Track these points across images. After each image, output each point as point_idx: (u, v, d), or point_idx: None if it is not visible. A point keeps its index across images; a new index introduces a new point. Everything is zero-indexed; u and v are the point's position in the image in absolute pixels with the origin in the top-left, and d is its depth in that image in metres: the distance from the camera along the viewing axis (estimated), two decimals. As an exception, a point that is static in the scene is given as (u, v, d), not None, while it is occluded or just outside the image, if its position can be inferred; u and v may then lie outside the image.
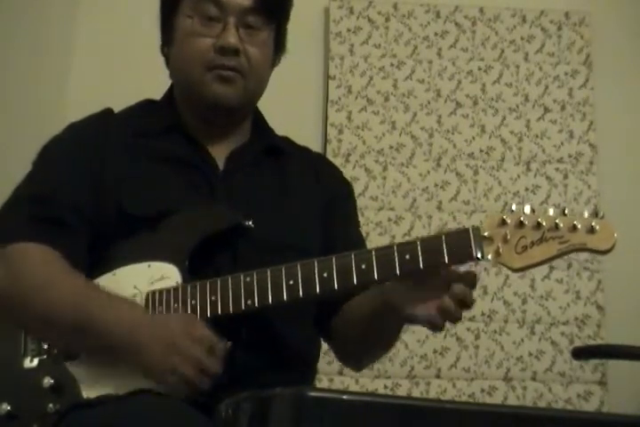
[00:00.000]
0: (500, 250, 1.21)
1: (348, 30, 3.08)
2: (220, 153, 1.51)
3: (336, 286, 1.26)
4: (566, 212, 1.22)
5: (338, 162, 2.68)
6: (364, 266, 1.25)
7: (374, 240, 2.68)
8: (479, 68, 3.09)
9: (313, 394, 0.94)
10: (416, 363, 2.78)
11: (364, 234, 1.67)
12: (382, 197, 2.91)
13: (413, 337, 2.79)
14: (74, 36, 3.01)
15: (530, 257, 1.21)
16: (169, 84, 1.59)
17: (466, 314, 3.18)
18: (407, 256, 1.24)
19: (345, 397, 0.95)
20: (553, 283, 2.88)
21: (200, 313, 1.30)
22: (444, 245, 1.22)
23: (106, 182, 1.43)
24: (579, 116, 3.06)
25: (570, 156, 3.02)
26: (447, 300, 1.24)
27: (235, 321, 1.31)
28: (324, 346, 1.57)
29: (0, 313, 1.39)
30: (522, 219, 1.21)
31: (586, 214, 1.21)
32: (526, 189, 2.98)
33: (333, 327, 1.52)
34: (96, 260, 1.40)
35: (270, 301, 1.28)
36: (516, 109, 3.06)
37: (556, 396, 2.78)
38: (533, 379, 2.79)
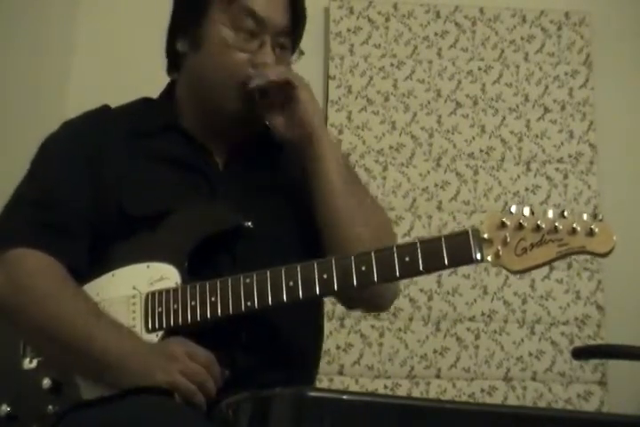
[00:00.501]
0: (500, 252, 1.21)
1: (348, 30, 3.08)
2: (218, 151, 1.51)
3: (336, 287, 1.26)
4: (565, 214, 1.22)
5: (338, 162, 2.67)
6: (363, 268, 1.25)
7: (374, 240, 2.68)
8: (479, 68, 3.09)
9: (313, 394, 0.95)
10: (416, 363, 2.78)
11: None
12: (382, 197, 2.91)
13: (413, 337, 2.79)
14: (74, 36, 3.01)
15: (529, 260, 1.21)
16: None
17: (466, 314, 3.18)
18: (407, 258, 1.23)
19: (345, 397, 0.95)
20: (553, 283, 2.88)
21: (200, 314, 1.29)
22: (444, 248, 1.22)
23: (105, 182, 1.42)
24: (579, 116, 3.06)
25: (570, 156, 3.02)
26: None
27: (234, 321, 1.31)
28: (325, 346, 1.57)
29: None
30: (521, 221, 1.21)
31: (585, 217, 1.21)
32: (526, 190, 2.98)
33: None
34: (95, 260, 1.39)
35: (270, 302, 1.28)
36: (516, 109, 3.06)
37: (555, 396, 2.78)
38: (533, 379, 2.79)
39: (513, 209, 1.23)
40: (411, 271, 1.24)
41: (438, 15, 3.12)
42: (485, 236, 1.22)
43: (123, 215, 1.39)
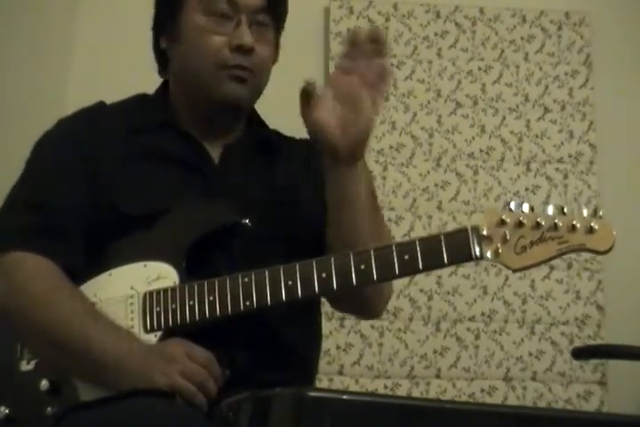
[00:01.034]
0: (500, 250, 1.21)
1: (348, 30, 3.08)
2: (214, 148, 1.50)
3: (335, 286, 1.26)
4: (565, 210, 1.21)
5: (338, 162, 2.67)
6: (362, 266, 1.25)
7: (374, 240, 2.68)
8: (479, 68, 3.09)
9: (313, 394, 0.94)
10: (416, 363, 2.78)
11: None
12: (382, 197, 2.90)
13: (413, 337, 2.79)
14: (74, 36, 3.01)
15: (529, 257, 1.21)
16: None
17: (466, 314, 3.18)
18: (406, 256, 1.23)
19: (345, 397, 0.95)
20: (553, 283, 2.88)
21: (198, 314, 1.29)
22: (443, 245, 1.22)
23: (101, 181, 1.41)
24: (579, 116, 3.06)
25: (570, 156, 3.02)
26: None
27: (233, 321, 1.30)
28: (325, 346, 1.56)
29: None
30: (521, 218, 1.21)
31: (585, 213, 1.21)
32: (526, 189, 2.98)
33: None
34: (92, 259, 1.38)
35: (269, 301, 1.27)
36: (516, 109, 3.06)
37: (556, 396, 2.78)
38: (533, 379, 2.79)
39: (512, 206, 1.23)
40: (410, 270, 1.24)
41: (438, 15, 3.12)
42: (485, 233, 1.22)
43: (119, 214, 1.38)
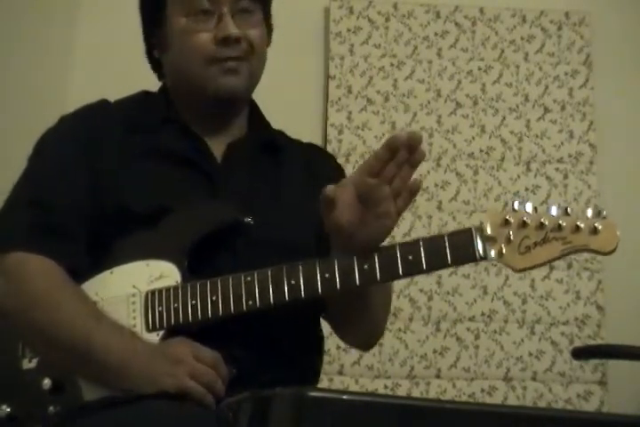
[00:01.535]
0: (503, 250, 1.20)
1: (348, 30, 3.08)
2: (217, 147, 1.50)
3: (338, 286, 1.25)
4: (569, 211, 1.21)
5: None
6: (366, 266, 1.24)
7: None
8: (479, 68, 3.09)
9: (313, 394, 0.94)
10: (416, 363, 2.78)
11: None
12: (382, 197, 2.90)
13: (413, 337, 2.79)
14: (74, 36, 3.01)
15: (533, 258, 1.20)
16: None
17: (466, 314, 3.17)
18: (410, 257, 1.23)
19: (345, 397, 0.94)
20: (553, 283, 2.88)
21: (201, 313, 1.29)
22: (447, 246, 1.22)
23: (104, 179, 1.41)
24: (579, 116, 3.06)
25: (570, 156, 3.02)
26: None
27: (235, 320, 1.29)
28: (325, 346, 1.56)
29: None
30: (525, 218, 1.21)
31: (589, 214, 1.21)
32: (526, 189, 2.98)
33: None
34: (94, 257, 1.38)
35: (272, 301, 1.27)
36: (516, 109, 3.06)
37: (556, 396, 2.78)
38: (533, 379, 2.79)
39: (516, 206, 1.23)
40: (414, 270, 1.24)
41: (438, 15, 3.13)
42: (489, 233, 1.21)
43: (122, 212, 1.37)
